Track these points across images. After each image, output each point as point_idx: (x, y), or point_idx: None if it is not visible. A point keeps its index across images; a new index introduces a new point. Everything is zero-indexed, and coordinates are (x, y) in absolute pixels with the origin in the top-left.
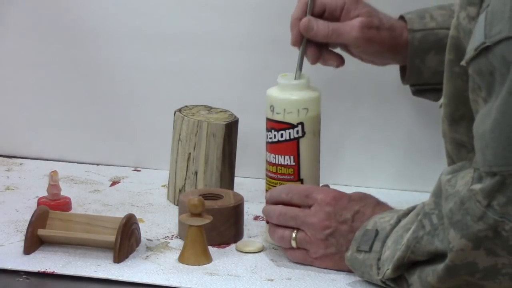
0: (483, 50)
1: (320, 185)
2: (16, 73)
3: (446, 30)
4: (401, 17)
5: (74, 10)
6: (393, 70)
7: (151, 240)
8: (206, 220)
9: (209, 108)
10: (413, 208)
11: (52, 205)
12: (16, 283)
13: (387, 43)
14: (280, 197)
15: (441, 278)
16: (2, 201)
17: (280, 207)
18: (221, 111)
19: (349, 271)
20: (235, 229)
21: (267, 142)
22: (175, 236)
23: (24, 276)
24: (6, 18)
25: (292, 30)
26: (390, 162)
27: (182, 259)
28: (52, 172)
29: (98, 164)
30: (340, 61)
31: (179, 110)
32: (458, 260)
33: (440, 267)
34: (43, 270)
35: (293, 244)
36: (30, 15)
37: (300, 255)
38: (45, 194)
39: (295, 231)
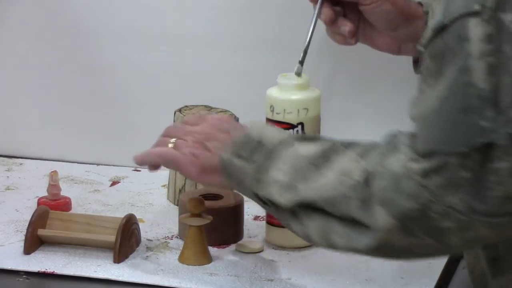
0: (440, 30)
1: None
2: (16, 73)
3: None
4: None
5: (74, 10)
6: (394, 70)
7: (151, 240)
8: (206, 220)
9: (209, 108)
10: (312, 136)
11: (52, 205)
12: (16, 283)
13: (400, 5)
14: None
15: (353, 248)
16: (2, 201)
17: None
18: (221, 111)
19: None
20: (235, 229)
21: None
22: (175, 236)
23: (24, 276)
24: (6, 18)
25: None
26: None
27: (182, 259)
28: (52, 172)
29: (98, 164)
30: (353, 27)
31: (179, 110)
32: (381, 241)
33: (357, 239)
34: (43, 270)
35: (169, 145)
36: (30, 15)
37: (175, 155)
38: (45, 194)
39: (174, 139)
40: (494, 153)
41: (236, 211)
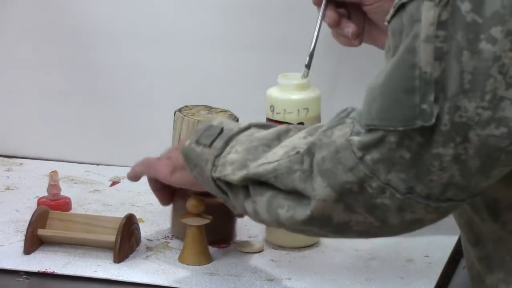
0: (399, 8)
1: None
2: (16, 73)
3: None
4: None
5: (74, 10)
6: None
7: (151, 240)
8: (206, 220)
9: (209, 108)
10: (270, 125)
11: (52, 205)
12: (16, 283)
13: None
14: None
15: (294, 220)
16: (2, 201)
17: None
18: (221, 111)
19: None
20: (234, 225)
21: None
22: (175, 236)
23: (24, 276)
24: (6, 18)
25: None
26: None
27: (182, 259)
28: (52, 172)
29: (98, 164)
30: (356, 29)
31: (179, 110)
32: (318, 210)
33: (298, 210)
34: (43, 270)
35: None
36: (30, 15)
37: (151, 158)
38: (45, 194)
39: None
40: (436, 138)
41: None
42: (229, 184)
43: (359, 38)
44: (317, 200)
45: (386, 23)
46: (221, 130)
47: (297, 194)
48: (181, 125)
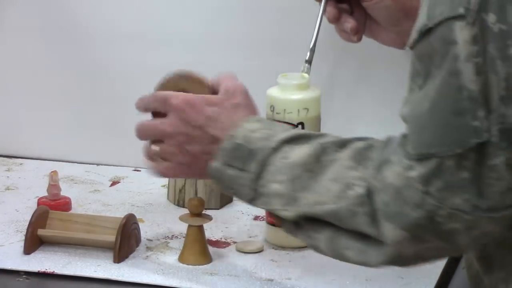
0: (425, 32)
1: None
2: (16, 73)
3: None
4: None
5: (74, 10)
6: (394, 70)
7: (151, 240)
8: (206, 220)
9: None
10: (300, 135)
11: (52, 205)
12: (16, 283)
13: (401, 1)
14: (147, 107)
15: (368, 264)
16: (2, 201)
17: (140, 122)
18: None
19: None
20: None
21: None
22: (175, 236)
23: (24, 276)
24: (6, 18)
25: None
26: None
27: (182, 259)
28: (52, 172)
29: (98, 164)
30: (355, 24)
31: None
32: (394, 253)
33: (371, 255)
34: (43, 270)
35: (159, 157)
36: (30, 16)
37: (169, 168)
38: (45, 194)
39: (157, 145)
40: (489, 150)
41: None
42: (278, 216)
43: (358, 34)
44: (390, 245)
45: (408, 48)
46: (251, 152)
47: (363, 236)
48: None
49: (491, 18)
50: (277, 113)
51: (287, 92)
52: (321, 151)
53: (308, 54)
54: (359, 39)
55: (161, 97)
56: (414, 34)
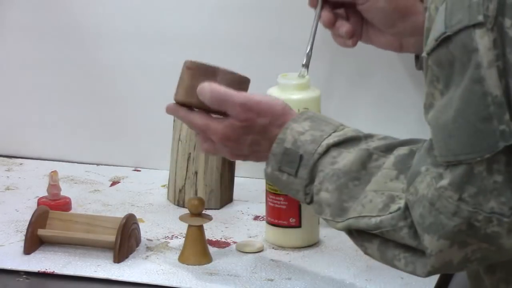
0: (444, 40)
1: None
2: (16, 73)
3: None
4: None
5: (73, 10)
6: (393, 70)
7: (151, 240)
8: (206, 220)
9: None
10: (347, 139)
11: (52, 205)
12: (16, 283)
13: (396, 3)
14: (204, 99)
15: (416, 275)
16: (2, 201)
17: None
18: None
19: None
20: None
21: None
22: (175, 236)
23: (24, 276)
24: (6, 18)
25: None
26: None
27: (182, 259)
28: (52, 172)
29: (98, 164)
30: (350, 28)
31: None
32: (438, 263)
33: (418, 266)
34: (43, 270)
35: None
36: (30, 16)
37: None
38: (45, 194)
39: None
40: None
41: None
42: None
43: (353, 38)
44: (434, 255)
45: (425, 55)
46: (301, 157)
47: (409, 248)
48: (181, 125)
49: (507, 23)
50: None
51: (287, 92)
52: (367, 157)
53: (305, 59)
54: (354, 44)
55: (221, 99)
56: (431, 43)
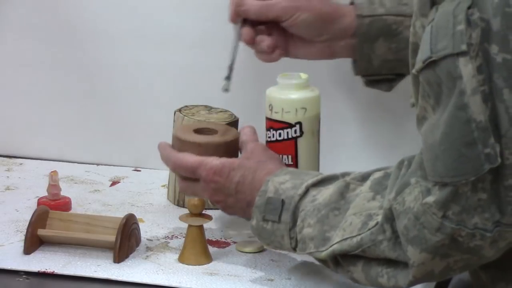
0: (430, 63)
1: None
2: (16, 73)
3: (394, 17)
4: (352, 3)
5: (73, 10)
6: None
7: (151, 240)
8: (206, 220)
9: (209, 108)
10: (325, 178)
11: (52, 205)
12: (16, 283)
13: (316, 9)
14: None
15: (397, 286)
16: (2, 201)
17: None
18: (221, 111)
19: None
20: None
21: (267, 141)
22: (175, 236)
23: (24, 276)
24: (6, 18)
25: (230, 7)
26: (390, 162)
27: (182, 259)
28: (52, 172)
29: (98, 164)
30: (271, 41)
31: (179, 110)
32: (419, 274)
33: (400, 278)
34: (43, 270)
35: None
36: (29, 16)
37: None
38: (45, 194)
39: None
40: (504, 171)
41: (232, 146)
42: (316, 258)
43: (276, 51)
44: (415, 266)
45: (414, 72)
46: (283, 202)
47: (391, 261)
48: (181, 125)
49: (493, 49)
50: (275, 112)
51: (286, 91)
52: (345, 188)
53: (227, 71)
54: (279, 57)
55: (190, 168)
56: (418, 63)
